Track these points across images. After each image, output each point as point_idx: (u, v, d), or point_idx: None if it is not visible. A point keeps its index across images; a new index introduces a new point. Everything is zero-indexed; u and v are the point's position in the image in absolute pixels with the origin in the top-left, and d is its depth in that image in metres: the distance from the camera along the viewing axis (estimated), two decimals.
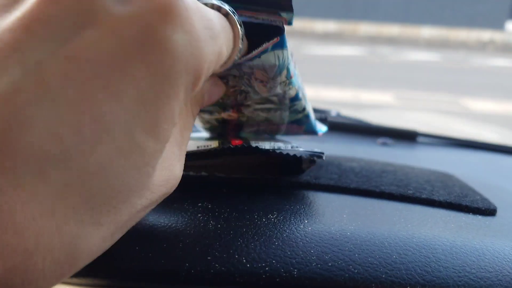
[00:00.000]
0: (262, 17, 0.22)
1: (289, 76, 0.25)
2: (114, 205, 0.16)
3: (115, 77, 0.14)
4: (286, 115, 0.32)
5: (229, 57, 0.21)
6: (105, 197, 0.15)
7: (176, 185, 0.21)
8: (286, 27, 0.22)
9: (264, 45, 0.22)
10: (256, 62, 0.23)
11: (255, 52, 0.22)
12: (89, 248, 0.15)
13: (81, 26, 0.15)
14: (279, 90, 0.27)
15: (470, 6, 8.94)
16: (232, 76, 0.26)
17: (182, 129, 0.22)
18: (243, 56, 0.22)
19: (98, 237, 0.16)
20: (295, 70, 0.27)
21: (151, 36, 0.15)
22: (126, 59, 0.15)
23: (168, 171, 0.20)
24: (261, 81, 0.25)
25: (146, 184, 0.17)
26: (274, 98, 0.29)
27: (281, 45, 0.22)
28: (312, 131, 0.36)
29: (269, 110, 0.31)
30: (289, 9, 0.22)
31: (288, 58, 0.24)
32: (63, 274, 0.15)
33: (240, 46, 0.21)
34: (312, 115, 0.34)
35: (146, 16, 0.15)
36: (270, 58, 0.23)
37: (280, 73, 0.24)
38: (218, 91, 0.26)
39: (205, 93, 0.24)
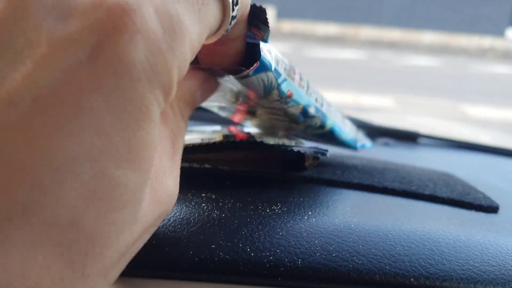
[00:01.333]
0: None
1: (283, 96, 0.24)
2: (99, 252, 0.14)
3: (68, 116, 0.13)
4: (302, 128, 0.31)
5: (220, 28, 0.19)
6: (85, 248, 0.14)
7: (173, 202, 0.19)
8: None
9: (245, 72, 0.21)
10: (241, 83, 0.23)
11: (236, 76, 0.22)
12: None
13: (20, 60, 0.13)
14: (278, 105, 0.26)
15: (471, 13, 8.96)
16: (228, 88, 0.25)
17: (173, 138, 0.20)
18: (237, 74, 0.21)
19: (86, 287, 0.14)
20: (300, 89, 0.25)
21: (103, 59, 0.13)
22: (78, 91, 0.13)
23: (160, 191, 0.18)
24: (255, 96, 0.25)
25: (135, 220, 0.16)
26: (278, 112, 0.28)
27: (263, 68, 0.21)
28: (347, 146, 0.36)
29: (283, 121, 0.30)
30: (266, 23, 0.21)
31: (275, 79, 0.22)
32: None
33: (234, 13, 0.18)
34: (344, 131, 0.34)
35: (93, 34, 0.13)
36: (253, 81, 0.22)
37: (269, 93, 0.23)
38: (210, 87, 0.24)
39: (196, 91, 0.22)
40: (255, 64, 0.21)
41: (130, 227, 0.15)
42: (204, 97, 0.23)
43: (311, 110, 0.27)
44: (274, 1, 9.12)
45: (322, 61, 6.03)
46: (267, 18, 0.21)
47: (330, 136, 0.33)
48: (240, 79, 0.22)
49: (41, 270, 0.13)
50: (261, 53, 0.21)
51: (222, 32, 0.19)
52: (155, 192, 0.17)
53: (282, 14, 9.11)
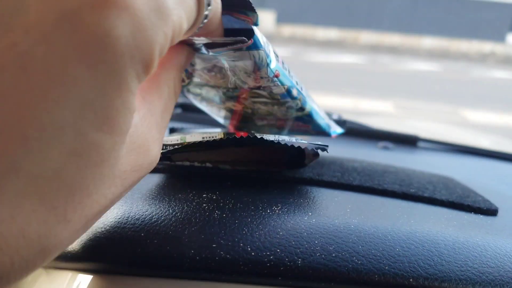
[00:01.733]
0: (234, 16, 0.23)
1: (271, 74, 0.26)
2: (79, 201, 0.16)
3: (54, 84, 0.14)
4: (284, 110, 0.32)
5: (193, 24, 0.20)
6: (66, 196, 0.15)
7: (153, 166, 0.21)
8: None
9: (239, 45, 0.23)
10: (234, 58, 0.25)
11: (229, 47, 0.24)
12: (59, 242, 0.16)
13: (10, 28, 0.14)
14: (265, 83, 0.28)
15: (472, 18, 8.99)
16: (218, 67, 0.27)
17: (164, 112, 0.22)
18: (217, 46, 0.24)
19: (68, 232, 0.16)
20: (284, 71, 0.28)
21: (89, 31, 0.14)
22: (63, 63, 0.14)
23: (143, 155, 0.20)
24: (245, 72, 0.27)
25: (112, 175, 0.17)
26: (264, 92, 0.29)
27: (255, 46, 0.24)
28: (322, 132, 0.36)
29: (266, 103, 0.31)
30: (252, 9, 0.23)
31: (266, 58, 0.25)
32: (34, 267, 0.15)
33: (206, 12, 0.20)
34: (321, 116, 0.35)
35: (83, 7, 0.14)
36: (245, 56, 0.25)
37: (259, 69, 0.26)
38: (188, 55, 0.25)
39: (182, 61, 0.24)
40: (250, 40, 0.23)
41: (108, 181, 0.17)
42: (188, 62, 0.25)
43: (294, 92, 0.29)
44: (274, 6, 9.15)
45: (322, 65, 6.04)
46: (251, 4, 0.23)
47: (308, 119, 0.34)
48: (235, 50, 0.24)
49: (27, 213, 0.14)
50: (254, 33, 0.23)
51: (194, 29, 0.20)
52: (139, 156, 0.19)
53: (282, 19, 9.13)
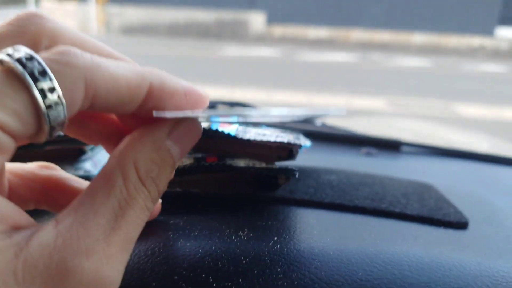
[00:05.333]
0: None
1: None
2: None
3: None
4: None
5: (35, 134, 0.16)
6: None
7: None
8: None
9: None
10: None
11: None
12: None
13: None
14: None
15: (460, 13, 9.03)
16: None
17: (117, 211, 0.17)
18: None
19: None
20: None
21: None
22: None
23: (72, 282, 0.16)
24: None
25: None
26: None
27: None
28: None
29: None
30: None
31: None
32: None
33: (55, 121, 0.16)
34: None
35: None
36: None
37: None
38: (190, 130, 0.21)
39: (165, 142, 0.19)
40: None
41: None
42: (187, 144, 0.21)
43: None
44: (264, 7, 9.15)
45: (314, 64, 6.05)
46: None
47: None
48: None
49: None
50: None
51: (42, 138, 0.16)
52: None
53: (272, 19, 9.14)
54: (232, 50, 7.07)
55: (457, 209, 0.34)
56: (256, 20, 9.12)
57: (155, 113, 0.19)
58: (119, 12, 9.11)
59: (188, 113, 0.20)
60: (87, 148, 0.37)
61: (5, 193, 0.19)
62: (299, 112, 0.21)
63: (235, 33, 9.10)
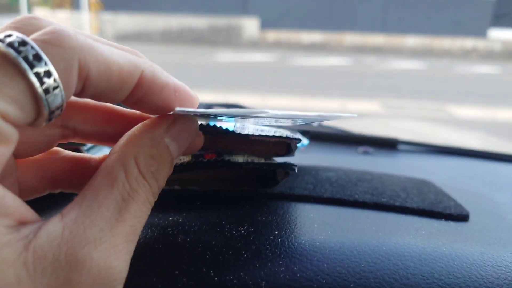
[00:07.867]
0: None
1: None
2: None
3: None
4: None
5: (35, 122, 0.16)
6: None
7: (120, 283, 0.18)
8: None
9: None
10: None
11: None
12: None
13: None
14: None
15: (453, 15, 9.10)
16: None
17: (120, 204, 0.17)
18: None
19: None
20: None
21: None
22: None
23: (83, 269, 0.16)
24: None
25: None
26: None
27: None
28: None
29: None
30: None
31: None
32: None
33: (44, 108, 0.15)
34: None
35: None
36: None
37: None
38: (186, 128, 0.21)
39: (164, 139, 0.20)
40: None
41: None
42: (184, 141, 0.21)
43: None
44: (257, 12, 9.19)
45: (307, 69, 6.06)
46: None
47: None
48: None
49: None
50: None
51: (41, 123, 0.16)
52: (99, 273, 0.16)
53: (266, 25, 9.17)
54: (226, 56, 7.08)
55: (457, 203, 0.34)
56: (250, 25, 9.15)
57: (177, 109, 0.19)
58: (112, 20, 9.12)
59: (200, 111, 0.20)
60: (84, 148, 0.37)
61: (15, 185, 0.19)
62: (313, 116, 0.22)
63: (229, 38, 9.13)
